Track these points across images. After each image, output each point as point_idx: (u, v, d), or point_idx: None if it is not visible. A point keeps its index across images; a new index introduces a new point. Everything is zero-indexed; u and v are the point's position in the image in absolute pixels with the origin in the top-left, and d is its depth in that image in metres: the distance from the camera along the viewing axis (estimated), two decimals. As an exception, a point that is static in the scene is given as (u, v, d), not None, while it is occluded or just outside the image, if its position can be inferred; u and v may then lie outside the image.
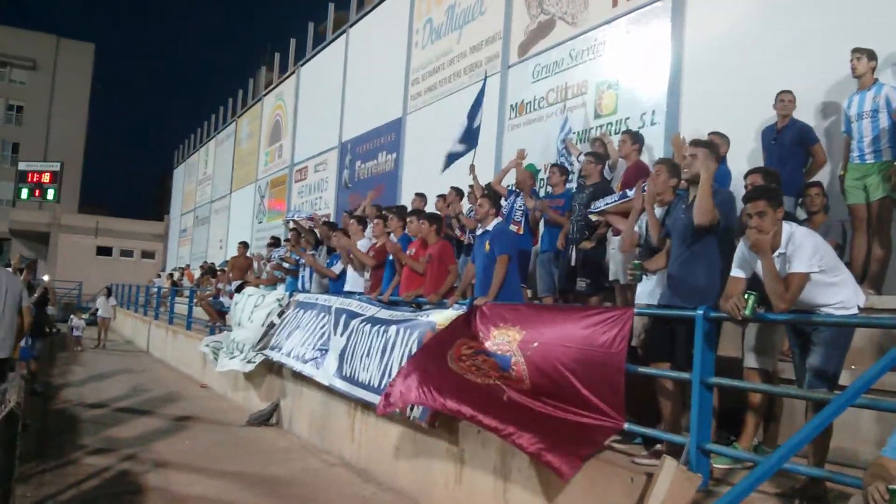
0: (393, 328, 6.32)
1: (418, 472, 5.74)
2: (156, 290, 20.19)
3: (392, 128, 13.70)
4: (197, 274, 19.64)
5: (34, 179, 36.63)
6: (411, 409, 5.58)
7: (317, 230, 10.09)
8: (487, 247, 5.85)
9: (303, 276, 9.86)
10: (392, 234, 7.64)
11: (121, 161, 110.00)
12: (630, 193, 5.46)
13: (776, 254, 3.57)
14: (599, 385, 4.20)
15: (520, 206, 7.48)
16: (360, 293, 7.85)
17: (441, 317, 5.84)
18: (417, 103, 12.85)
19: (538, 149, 9.16)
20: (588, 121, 8.65)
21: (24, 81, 44.41)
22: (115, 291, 23.22)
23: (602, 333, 4.24)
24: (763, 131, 6.13)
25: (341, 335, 7.23)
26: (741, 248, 3.78)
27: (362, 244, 8.17)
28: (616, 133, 7.83)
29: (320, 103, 17.41)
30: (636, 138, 6.72)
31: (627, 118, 8.05)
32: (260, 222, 20.76)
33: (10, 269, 7.65)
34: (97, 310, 20.06)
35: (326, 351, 7.49)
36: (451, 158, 8.60)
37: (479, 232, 6.28)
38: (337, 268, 8.69)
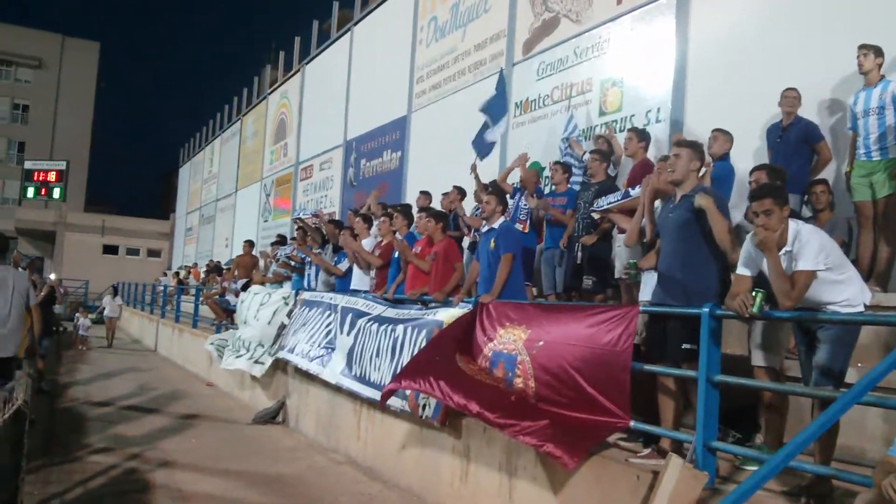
0: (401, 327, 6.33)
1: (424, 469, 5.75)
2: (162, 288, 20.21)
3: (397, 126, 13.69)
4: (202, 272, 19.68)
5: (40, 178, 36.84)
6: (423, 408, 5.60)
7: (323, 228, 10.11)
8: (493, 244, 5.84)
9: (308, 275, 9.88)
10: (397, 233, 7.65)
11: (126, 159, 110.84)
12: (633, 192, 5.47)
13: (782, 252, 3.56)
14: (605, 383, 4.20)
15: (524, 205, 7.48)
16: (365, 291, 7.87)
17: (447, 315, 5.86)
18: (422, 101, 12.84)
19: (543, 147, 9.15)
20: (592, 118, 8.64)
21: (30, 80, 44.63)
22: (122, 290, 23.25)
23: (607, 332, 4.25)
24: (768, 129, 6.11)
25: (348, 334, 7.24)
26: (747, 246, 3.77)
27: (367, 242, 8.18)
28: (621, 131, 7.82)
29: (325, 101, 17.40)
30: (642, 136, 6.71)
31: (632, 115, 8.03)
32: (265, 221, 20.78)
33: (19, 268, 7.67)
34: (104, 309, 20.08)
35: (333, 349, 7.51)
36: (488, 148, 8.43)
37: (484, 229, 6.27)
38: (343, 265, 8.72)
